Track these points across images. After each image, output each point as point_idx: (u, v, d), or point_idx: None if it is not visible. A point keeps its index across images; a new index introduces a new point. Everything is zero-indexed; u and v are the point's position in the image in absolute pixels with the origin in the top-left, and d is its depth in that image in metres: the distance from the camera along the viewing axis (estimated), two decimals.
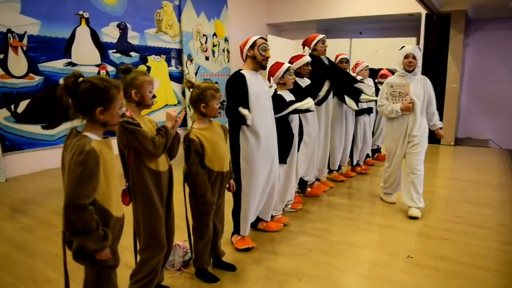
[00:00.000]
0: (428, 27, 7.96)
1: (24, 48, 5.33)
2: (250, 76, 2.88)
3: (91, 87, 1.57)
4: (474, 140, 8.56)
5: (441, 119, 8.65)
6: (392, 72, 7.75)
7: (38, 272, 2.73)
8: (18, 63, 5.27)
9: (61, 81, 1.40)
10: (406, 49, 3.68)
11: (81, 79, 1.57)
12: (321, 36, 4.26)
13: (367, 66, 5.55)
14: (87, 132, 1.61)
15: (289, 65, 3.48)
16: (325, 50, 4.30)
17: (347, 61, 4.81)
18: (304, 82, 3.92)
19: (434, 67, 7.79)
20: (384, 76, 5.82)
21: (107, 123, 1.64)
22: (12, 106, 5.24)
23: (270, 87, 3.43)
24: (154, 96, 2.15)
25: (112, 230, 1.65)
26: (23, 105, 5.33)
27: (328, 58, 4.44)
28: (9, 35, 5.13)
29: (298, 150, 3.62)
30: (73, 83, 1.56)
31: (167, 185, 2.20)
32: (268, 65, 3.23)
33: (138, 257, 2.21)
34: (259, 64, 2.94)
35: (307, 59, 3.87)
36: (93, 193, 1.54)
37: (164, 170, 2.16)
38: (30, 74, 5.41)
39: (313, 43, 4.25)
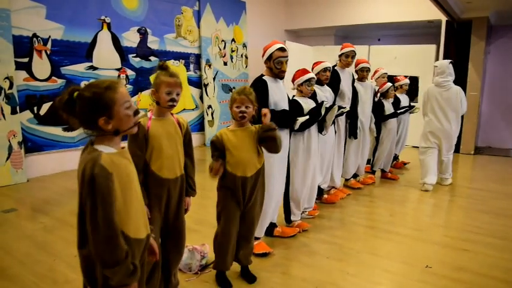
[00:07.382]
0: (449, 34, 7.85)
1: (48, 52, 5.46)
2: (271, 83, 2.95)
3: (83, 98, 1.37)
4: (495, 149, 8.38)
5: (461, 127, 8.46)
6: (415, 78, 7.71)
7: (59, 272, 2.79)
8: (42, 66, 5.40)
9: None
10: None
11: (75, 94, 1.39)
12: (348, 49, 4.17)
13: (386, 73, 5.49)
14: (98, 145, 1.41)
15: (312, 76, 3.42)
16: (347, 64, 4.21)
17: (368, 70, 4.71)
18: (325, 90, 3.91)
19: (454, 75, 7.67)
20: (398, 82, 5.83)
21: (118, 130, 1.42)
22: (35, 108, 5.37)
23: (293, 89, 3.45)
24: (172, 100, 2.07)
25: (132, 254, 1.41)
26: (45, 107, 5.46)
27: (353, 74, 4.41)
28: (34, 39, 5.27)
29: None
30: (69, 101, 1.39)
31: (166, 192, 2.13)
32: (294, 70, 3.26)
33: None
34: (275, 75, 3.00)
35: (325, 65, 3.83)
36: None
37: (170, 178, 2.12)
38: (53, 77, 5.53)
39: (339, 53, 4.21)
